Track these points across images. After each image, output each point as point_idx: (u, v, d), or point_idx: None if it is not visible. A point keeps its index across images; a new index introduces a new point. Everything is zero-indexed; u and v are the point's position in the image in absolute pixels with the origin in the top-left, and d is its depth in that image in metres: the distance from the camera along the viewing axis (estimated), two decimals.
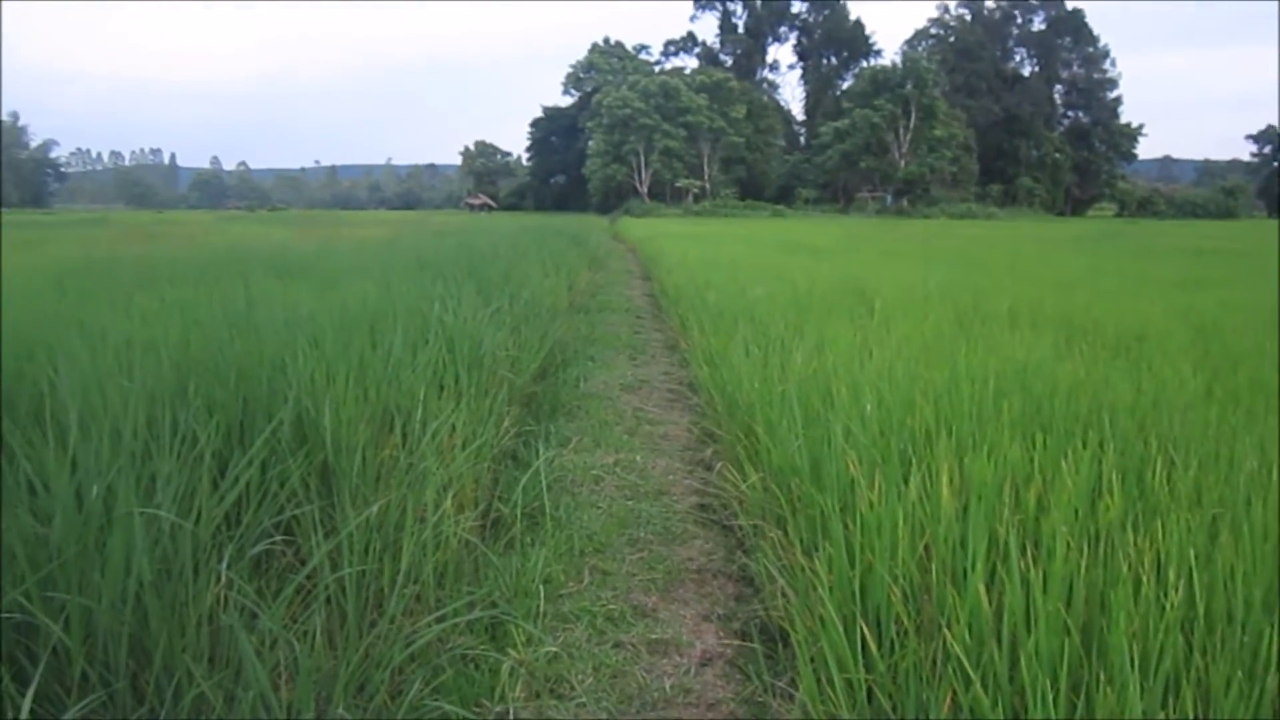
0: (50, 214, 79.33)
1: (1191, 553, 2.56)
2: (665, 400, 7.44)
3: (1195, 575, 2.50)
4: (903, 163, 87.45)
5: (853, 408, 4.11)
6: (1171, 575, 2.51)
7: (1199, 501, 3.12)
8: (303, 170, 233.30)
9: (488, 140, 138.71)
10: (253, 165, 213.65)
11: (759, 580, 3.72)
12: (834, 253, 18.84)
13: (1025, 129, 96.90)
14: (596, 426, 6.43)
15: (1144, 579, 2.48)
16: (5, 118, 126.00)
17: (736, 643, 3.39)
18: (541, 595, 3.59)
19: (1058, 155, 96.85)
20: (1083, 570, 2.54)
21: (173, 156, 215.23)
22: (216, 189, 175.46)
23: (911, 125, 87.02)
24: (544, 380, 7.63)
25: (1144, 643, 2.27)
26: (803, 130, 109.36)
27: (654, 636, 3.44)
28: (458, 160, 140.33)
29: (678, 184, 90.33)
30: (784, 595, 3.28)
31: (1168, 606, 2.37)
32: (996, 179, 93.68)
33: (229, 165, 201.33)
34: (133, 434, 3.04)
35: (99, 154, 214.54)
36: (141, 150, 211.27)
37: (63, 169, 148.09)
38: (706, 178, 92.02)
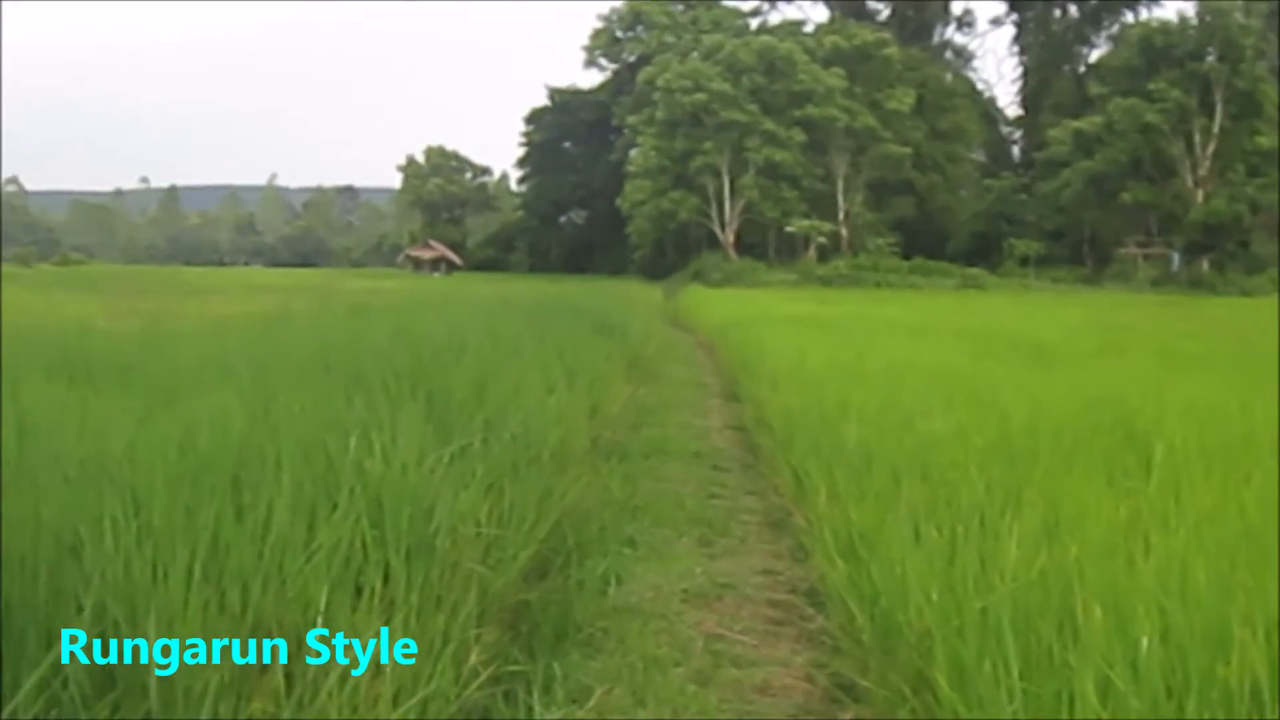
0: None
1: None
2: (764, 622, 6.08)
3: None
4: (1201, 194, 65.19)
5: (1115, 642, 3.33)
6: None
7: None
8: (119, 193, 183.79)
9: (449, 146, 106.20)
10: (30, 186, 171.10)
11: None
12: (1075, 356, 15.65)
13: None
14: (638, 668, 5.11)
15: None
16: None
17: None
18: None
19: None
20: None
21: None
22: None
23: (1217, 127, 64.70)
24: (544, 580, 6.31)
25: None
26: (1018, 136, 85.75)
27: None
28: (395, 181, 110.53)
29: (789, 227, 69.13)
30: None
31: None
32: None
33: None
34: None
35: None
36: None
37: None
38: (842, 217, 70.19)
